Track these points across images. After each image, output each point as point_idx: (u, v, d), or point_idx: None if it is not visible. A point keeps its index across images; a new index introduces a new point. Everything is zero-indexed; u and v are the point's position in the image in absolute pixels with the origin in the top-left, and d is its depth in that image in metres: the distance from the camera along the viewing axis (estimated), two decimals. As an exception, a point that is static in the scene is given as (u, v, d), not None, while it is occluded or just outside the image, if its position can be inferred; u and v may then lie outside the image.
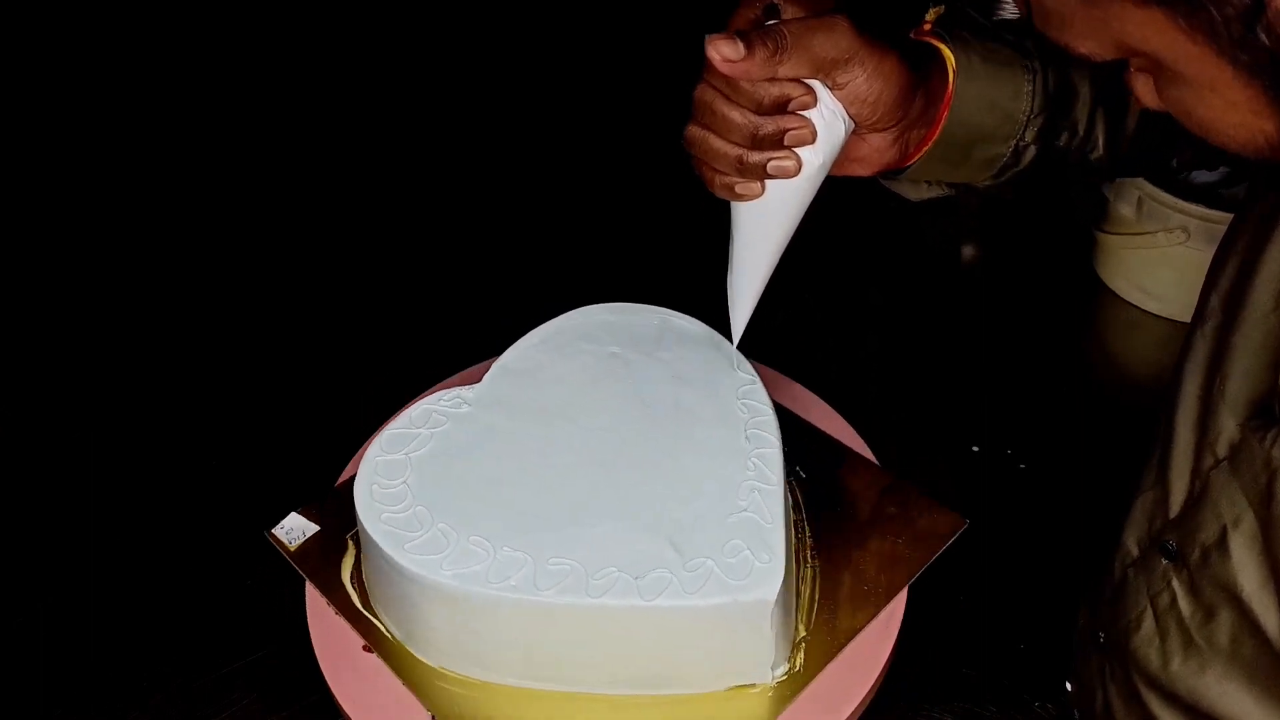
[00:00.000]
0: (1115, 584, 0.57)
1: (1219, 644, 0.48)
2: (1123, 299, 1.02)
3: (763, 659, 0.61)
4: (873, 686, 0.63)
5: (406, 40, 1.47)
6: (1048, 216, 1.09)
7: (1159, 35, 0.36)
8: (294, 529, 0.72)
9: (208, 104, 1.33)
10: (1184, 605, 0.50)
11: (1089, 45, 0.38)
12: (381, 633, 0.65)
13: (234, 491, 0.82)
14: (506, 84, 1.38)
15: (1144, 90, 0.41)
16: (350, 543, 0.70)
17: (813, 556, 0.69)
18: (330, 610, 0.67)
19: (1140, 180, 0.95)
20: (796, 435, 0.77)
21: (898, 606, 0.67)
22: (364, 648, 0.65)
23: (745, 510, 0.60)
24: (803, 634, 0.64)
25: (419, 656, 0.64)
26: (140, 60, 1.37)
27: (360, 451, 0.74)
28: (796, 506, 0.72)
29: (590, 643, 0.60)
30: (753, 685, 0.62)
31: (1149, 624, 0.52)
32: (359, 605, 0.67)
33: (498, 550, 0.59)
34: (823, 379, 0.84)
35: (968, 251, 1.10)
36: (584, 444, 0.65)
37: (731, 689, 0.61)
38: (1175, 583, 0.51)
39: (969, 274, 1.09)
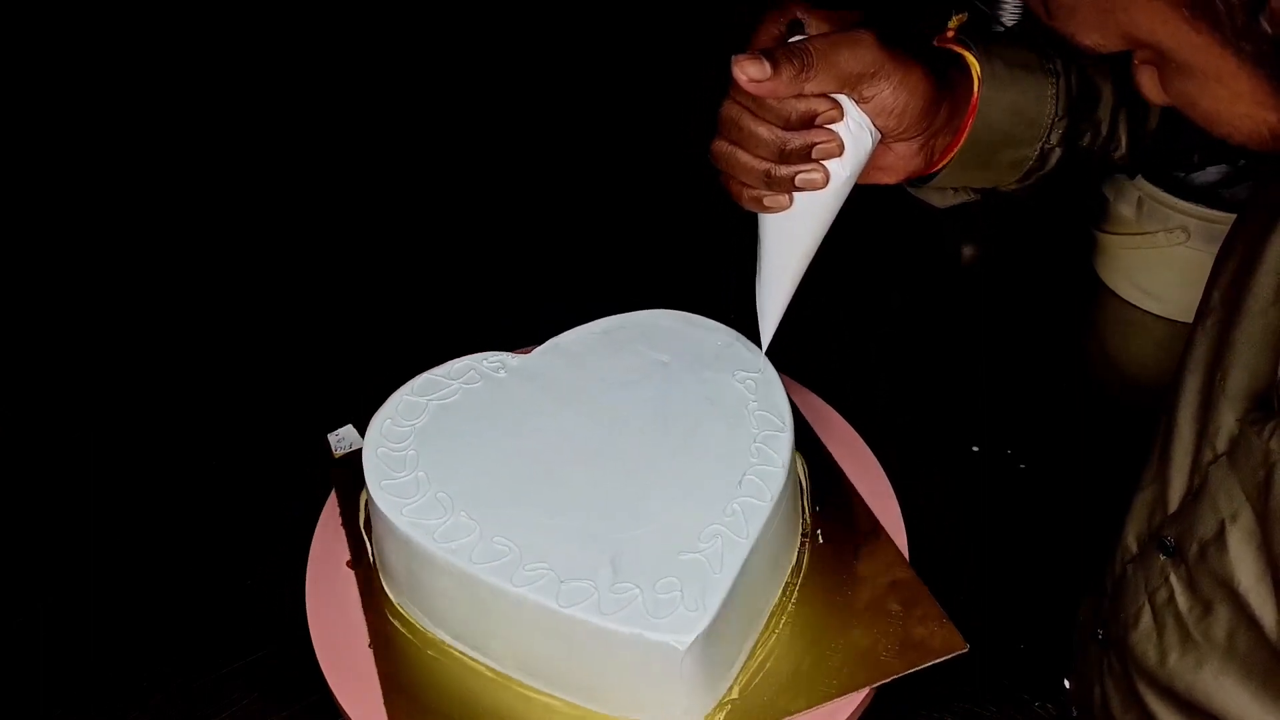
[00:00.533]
0: (1115, 580, 0.57)
1: (1215, 639, 0.48)
2: (1123, 299, 1.02)
3: (671, 705, 0.58)
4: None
5: (447, 43, 1.47)
6: (1048, 216, 1.09)
7: (1163, 25, 0.36)
8: (344, 439, 0.76)
9: (216, 102, 1.33)
10: (1181, 601, 0.50)
11: (1094, 37, 0.39)
12: (366, 552, 0.68)
13: (233, 493, 0.83)
14: (536, 93, 1.37)
15: (1149, 84, 0.41)
16: None
17: (784, 624, 0.64)
18: (330, 608, 0.67)
19: (1140, 180, 0.95)
20: (835, 494, 0.73)
21: (844, 707, 0.61)
22: (347, 563, 0.68)
23: (700, 553, 0.57)
24: (734, 696, 0.60)
25: (385, 587, 0.66)
26: (140, 60, 1.37)
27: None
28: (797, 569, 0.68)
29: (511, 628, 0.60)
30: None
31: (1147, 619, 0.52)
32: (361, 524, 0.69)
33: (454, 513, 0.60)
34: (823, 378, 0.84)
35: (968, 251, 1.10)
36: (586, 439, 0.64)
37: None
38: (1173, 578, 0.51)
39: (969, 274, 1.09)
